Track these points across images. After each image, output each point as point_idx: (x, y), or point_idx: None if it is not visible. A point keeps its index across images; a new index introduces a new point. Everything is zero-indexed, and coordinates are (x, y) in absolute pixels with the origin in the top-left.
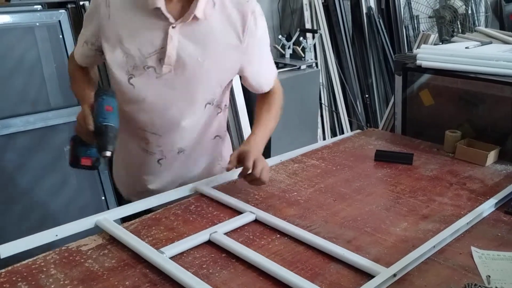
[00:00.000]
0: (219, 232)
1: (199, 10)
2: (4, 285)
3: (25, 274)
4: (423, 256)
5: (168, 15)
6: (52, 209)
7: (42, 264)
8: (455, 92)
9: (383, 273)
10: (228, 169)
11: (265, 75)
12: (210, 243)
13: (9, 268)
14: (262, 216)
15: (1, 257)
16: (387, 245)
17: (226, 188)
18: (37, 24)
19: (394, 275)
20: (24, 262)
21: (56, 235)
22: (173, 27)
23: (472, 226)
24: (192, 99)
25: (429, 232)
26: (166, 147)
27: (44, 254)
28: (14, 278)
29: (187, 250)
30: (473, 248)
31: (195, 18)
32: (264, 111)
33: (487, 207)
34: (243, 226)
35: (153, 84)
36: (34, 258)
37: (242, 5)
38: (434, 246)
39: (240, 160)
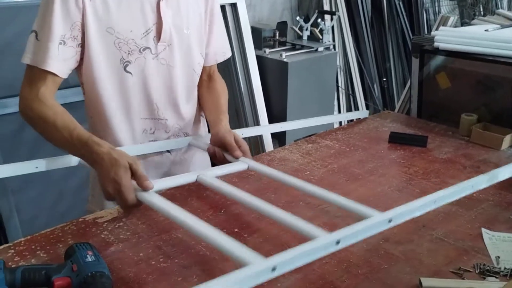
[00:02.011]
0: (208, 174)
1: None
2: (24, 253)
3: (43, 243)
4: (421, 209)
5: None
6: (67, 191)
7: (60, 234)
8: (472, 75)
9: (377, 216)
10: (237, 156)
11: (220, 44)
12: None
13: (28, 237)
14: (254, 166)
15: None
16: (398, 225)
17: None
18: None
19: (390, 220)
20: (42, 232)
21: (36, 167)
22: (162, 0)
23: (483, 208)
24: (191, 73)
25: (440, 213)
26: (173, 130)
27: (62, 225)
28: (33, 247)
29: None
30: (483, 230)
31: None
32: (223, 98)
33: (501, 174)
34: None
35: (152, 67)
36: (52, 228)
37: None
38: (435, 201)
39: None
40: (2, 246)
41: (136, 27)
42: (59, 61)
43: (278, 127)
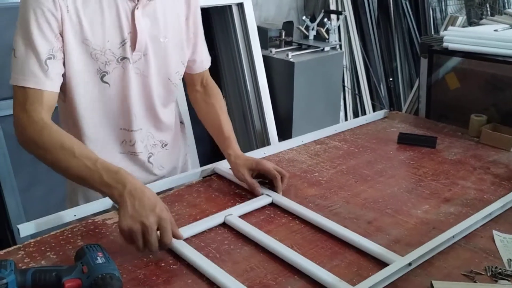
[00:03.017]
0: (234, 214)
1: None
2: (33, 254)
3: (53, 244)
4: (439, 247)
5: None
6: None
7: (70, 235)
8: (481, 75)
9: (398, 262)
10: (258, 193)
11: (205, 51)
12: (225, 225)
13: (38, 238)
14: (278, 200)
15: (21, 236)
16: (408, 226)
17: None
18: None
19: (409, 264)
20: (52, 233)
21: (74, 215)
22: (137, 9)
23: (494, 210)
24: (166, 82)
25: (450, 215)
26: (150, 141)
27: (71, 226)
28: (42, 248)
29: (202, 232)
30: (494, 232)
31: None
32: (226, 121)
33: None
34: (259, 208)
35: (128, 76)
36: (62, 229)
37: None
38: (453, 236)
39: (258, 174)
40: (12, 248)
41: (112, 37)
42: (52, 77)
43: (299, 140)
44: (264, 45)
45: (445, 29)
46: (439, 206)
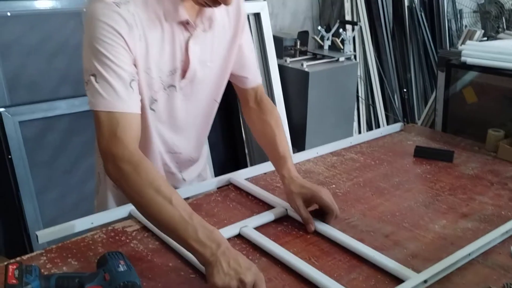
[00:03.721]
0: (249, 226)
1: (216, 14)
2: (55, 260)
3: (74, 250)
4: (456, 264)
5: (193, 25)
6: (88, 192)
7: (90, 242)
8: (499, 90)
9: (414, 279)
10: (310, 230)
11: (255, 65)
12: (240, 236)
13: (59, 244)
14: (293, 213)
15: (39, 242)
16: (426, 241)
17: (259, 180)
18: (85, 10)
19: (425, 281)
20: (73, 239)
21: (92, 223)
22: (191, 39)
23: None
24: (212, 103)
25: (468, 230)
26: (183, 161)
27: (92, 233)
28: (64, 254)
29: None
30: None
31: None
32: (281, 139)
33: None
34: (275, 220)
35: (173, 103)
36: (83, 236)
37: None
38: (469, 254)
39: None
40: (35, 253)
41: (165, 65)
42: (136, 98)
43: (315, 152)
44: (279, 54)
45: (463, 43)
46: (457, 221)
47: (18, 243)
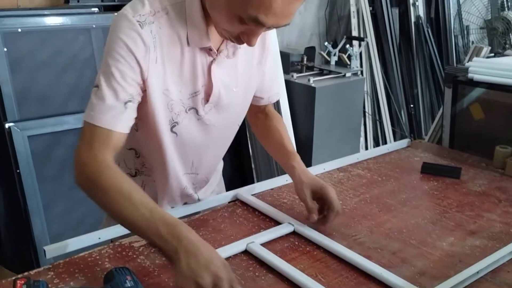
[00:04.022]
0: (256, 242)
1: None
2: (62, 275)
3: (81, 265)
4: (464, 282)
5: (216, 52)
6: (94, 206)
7: (97, 257)
8: (506, 106)
9: None
10: (313, 220)
11: (276, 87)
12: (247, 252)
13: (67, 259)
14: (300, 229)
15: (47, 257)
16: (433, 259)
17: (265, 195)
18: (94, 26)
19: None
20: (81, 254)
21: (99, 238)
22: (214, 63)
23: None
24: (231, 130)
25: (476, 248)
26: (199, 181)
27: (99, 248)
28: (71, 269)
29: (227, 258)
30: None
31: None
32: (288, 140)
33: None
34: (282, 236)
35: (195, 126)
36: (90, 251)
37: None
38: (478, 272)
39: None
40: (42, 268)
41: (185, 88)
42: (126, 121)
43: (321, 168)
44: (286, 69)
45: (470, 59)
46: (465, 238)
47: (25, 257)
